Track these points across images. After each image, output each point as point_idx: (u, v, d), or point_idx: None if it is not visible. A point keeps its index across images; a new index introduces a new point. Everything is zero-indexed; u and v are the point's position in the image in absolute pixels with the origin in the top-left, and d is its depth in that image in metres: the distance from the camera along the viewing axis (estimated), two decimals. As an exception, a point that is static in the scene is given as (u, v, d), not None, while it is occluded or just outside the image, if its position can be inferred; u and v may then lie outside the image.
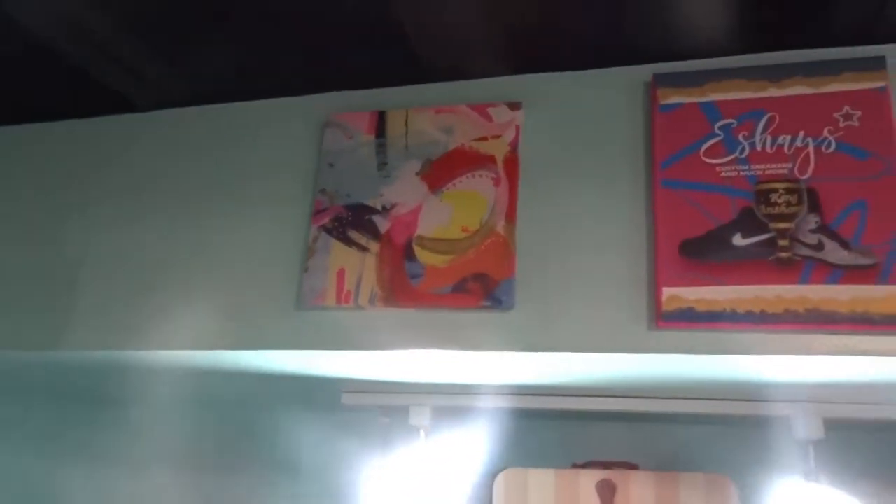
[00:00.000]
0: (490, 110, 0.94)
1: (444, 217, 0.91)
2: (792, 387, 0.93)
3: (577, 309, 0.84)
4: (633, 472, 1.08)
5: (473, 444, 1.25)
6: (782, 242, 0.79)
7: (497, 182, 0.90)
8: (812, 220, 0.79)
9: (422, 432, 1.27)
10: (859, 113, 0.82)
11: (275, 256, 0.97)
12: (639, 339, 0.81)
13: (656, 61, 0.92)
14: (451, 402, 1.24)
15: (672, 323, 0.80)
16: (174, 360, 1.02)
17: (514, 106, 0.94)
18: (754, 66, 0.87)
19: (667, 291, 0.81)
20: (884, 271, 0.75)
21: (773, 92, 0.85)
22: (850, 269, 0.76)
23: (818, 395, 0.98)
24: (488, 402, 1.21)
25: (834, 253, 0.77)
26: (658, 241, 0.83)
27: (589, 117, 0.93)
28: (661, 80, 0.90)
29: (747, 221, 0.81)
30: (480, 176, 0.91)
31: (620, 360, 0.84)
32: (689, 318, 0.79)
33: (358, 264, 0.91)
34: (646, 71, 0.92)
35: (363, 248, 0.92)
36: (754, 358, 0.78)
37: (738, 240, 0.80)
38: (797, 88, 0.85)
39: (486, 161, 0.92)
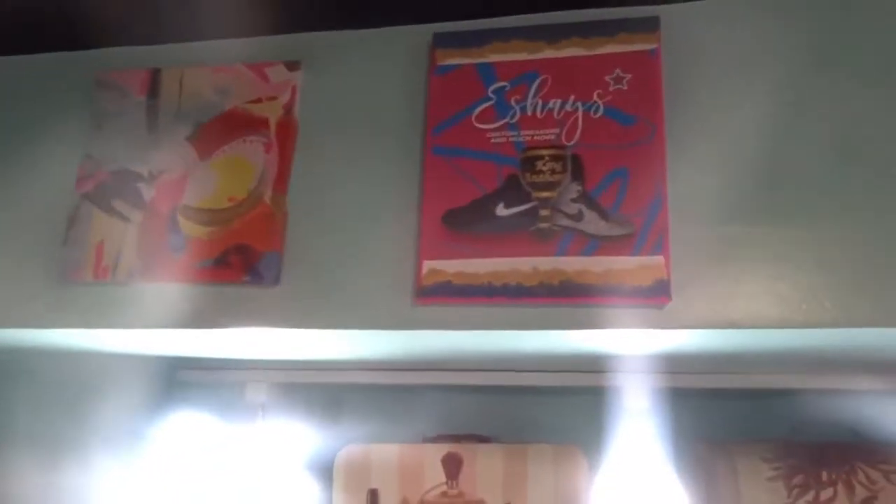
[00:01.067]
0: (267, 70, 0.88)
1: (211, 186, 0.84)
2: (625, 357, 0.93)
3: (346, 284, 0.80)
4: (481, 445, 1.06)
5: (316, 421, 1.22)
6: (543, 212, 0.76)
7: (268, 148, 0.85)
8: (574, 189, 0.76)
9: (260, 411, 1.23)
10: (629, 76, 0.78)
11: (41, 227, 0.89)
12: (402, 316, 0.78)
13: (442, 20, 0.87)
14: (289, 378, 1.20)
15: (430, 298, 0.76)
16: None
17: (292, 66, 0.88)
18: (535, 26, 0.82)
19: (427, 265, 0.77)
20: (638, 241, 0.73)
21: (549, 53, 0.81)
22: (606, 239, 0.74)
23: (647, 366, 0.98)
24: (330, 378, 1.18)
25: (593, 223, 0.74)
26: (424, 211, 0.79)
27: (369, 79, 0.87)
28: (440, 41, 0.84)
29: (512, 190, 0.77)
30: (251, 141, 0.85)
31: (388, 337, 0.81)
32: (447, 292, 0.76)
33: (118, 236, 0.84)
34: (429, 31, 0.86)
35: (125, 219, 0.85)
36: (512, 333, 0.76)
37: (501, 210, 0.77)
38: (572, 50, 0.81)
39: (258, 125, 0.86)
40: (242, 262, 0.81)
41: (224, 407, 1.22)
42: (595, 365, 1.00)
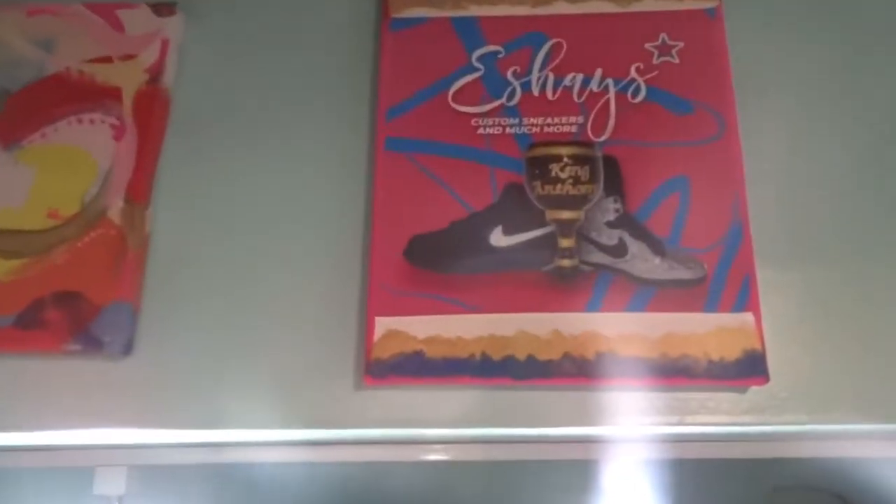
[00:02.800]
0: (121, 14, 0.57)
1: (19, 192, 0.52)
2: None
3: (243, 355, 0.50)
4: None
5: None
6: (564, 242, 0.50)
7: (119, 133, 0.53)
8: (611, 208, 0.50)
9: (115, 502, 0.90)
10: (681, 44, 0.54)
11: None
12: (338, 408, 0.48)
13: (397, -45, 0.60)
14: (157, 459, 0.87)
15: (386, 378, 0.47)
16: None
17: (163, 8, 0.57)
18: (536, -31, 0.57)
19: (381, 324, 0.48)
20: (713, 290, 0.49)
21: (562, 7, 0.55)
22: (664, 286, 0.48)
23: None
24: (220, 457, 0.86)
25: (642, 261, 0.49)
26: (374, 239, 0.51)
27: (287, 34, 0.58)
28: (395, -19, 0.58)
29: (513, 208, 0.50)
30: (92, 121, 0.54)
31: (314, 435, 0.52)
32: (414, 369, 0.47)
33: None
34: (379, -31, 0.59)
35: None
36: (518, 431, 0.49)
37: (497, 238, 0.50)
38: (597, 4, 0.55)
39: (103, 97, 0.54)
40: (67, 318, 0.48)
41: (68, 500, 0.89)
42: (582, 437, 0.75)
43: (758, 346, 0.46)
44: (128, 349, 0.49)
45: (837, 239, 0.50)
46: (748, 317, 0.47)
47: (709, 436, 0.49)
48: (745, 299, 0.47)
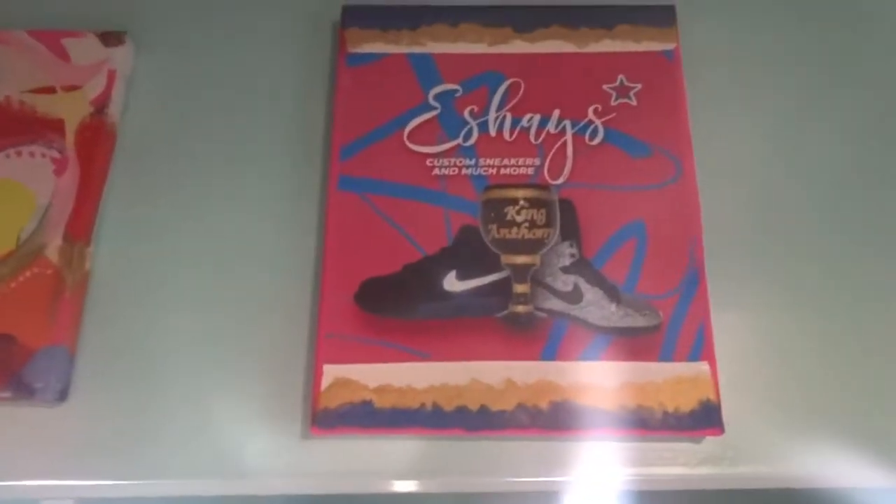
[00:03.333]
0: (66, 42, 0.55)
1: (-49, 227, 0.50)
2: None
3: (185, 402, 0.48)
4: None
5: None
6: (519, 288, 0.49)
7: (61, 167, 0.51)
8: (566, 253, 0.50)
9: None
10: (639, 86, 0.53)
11: None
12: (282, 458, 0.47)
13: (356, -11, 0.59)
14: (104, 491, 0.84)
15: (334, 428, 0.45)
16: None
17: (111, 38, 0.55)
18: (496, 7, 0.56)
19: (330, 372, 0.46)
20: (668, 339, 0.48)
21: (520, 46, 0.55)
22: (619, 334, 0.48)
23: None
24: (171, 490, 0.82)
25: (598, 308, 0.48)
26: (324, 282, 0.49)
27: (238, 67, 0.56)
28: (352, 17, 0.55)
29: (468, 251, 0.49)
30: (31, 154, 0.52)
31: (259, 484, 0.50)
32: (363, 419, 0.45)
33: None
34: (338, 3, 0.58)
35: None
36: (468, 481, 0.48)
37: (451, 282, 0.48)
38: (554, 44, 0.55)
39: (44, 129, 0.52)
40: (-3, 364, 0.46)
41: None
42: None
43: (713, 396, 0.45)
44: (62, 396, 0.47)
45: (795, 286, 0.50)
46: (704, 366, 0.46)
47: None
48: (700, 348, 0.46)
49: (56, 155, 0.51)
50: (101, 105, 0.53)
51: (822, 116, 0.55)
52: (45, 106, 0.52)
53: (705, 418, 0.45)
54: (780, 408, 0.47)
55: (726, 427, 0.45)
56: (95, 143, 0.52)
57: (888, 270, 0.51)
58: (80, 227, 0.50)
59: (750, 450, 0.46)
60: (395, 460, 0.46)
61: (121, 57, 0.54)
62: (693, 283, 0.48)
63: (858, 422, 0.47)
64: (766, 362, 0.48)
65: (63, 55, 0.54)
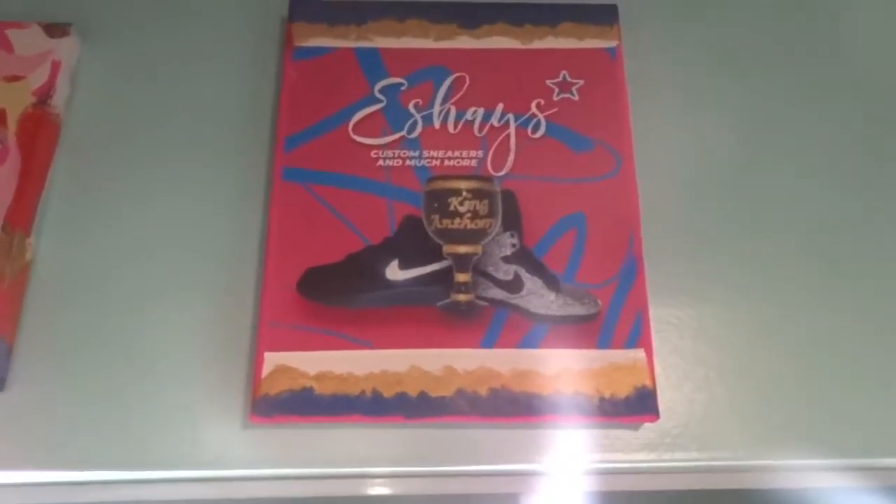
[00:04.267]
0: (10, 33, 0.55)
1: None
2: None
3: (123, 390, 0.47)
4: None
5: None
6: (461, 277, 0.49)
7: (1, 157, 0.51)
8: (508, 243, 0.50)
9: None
10: (581, 82, 0.55)
11: None
12: (220, 449, 0.46)
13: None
14: (44, 497, 0.82)
15: (274, 416, 0.45)
16: None
17: (56, 29, 0.55)
18: (442, 3, 0.57)
19: (271, 360, 0.47)
20: (606, 326, 0.49)
21: (465, 42, 0.56)
22: (558, 322, 0.48)
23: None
24: (112, 495, 0.81)
25: (538, 297, 0.49)
26: (267, 270, 0.49)
27: (183, 58, 0.56)
28: (299, 11, 0.56)
29: (410, 242, 0.49)
30: (-29, 144, 0.52)
31: (201, 476, 0.50)
32: (304, 406, 0.45)
33: None
34: (286, -5, 0.58)
35: None
36: (406, 471, 0.48)
37: (393, 271, 0.49)
38: (499, 40, 0.56)
39: (-14, 119, 0.52)
40: (-70, 353, 0.46)
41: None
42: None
43: (649, 382, 0.46)
44: (0, 385, 0.46)
45: (730, 277, 0.51)
46: (640, 353, 0.47)
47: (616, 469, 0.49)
48: (637, 335, 0.47)
49: (-3, 145, 0.51)
50: (44, 95, 0.52)
51: (757, 113, 0.57)
52: (-14, 96, 0.52)
53: (641, 405, 0.46)
54: (715, 395, 0.48)
55: (663, 414, 0.47)
56: (37, 133, 0.51)
57: (817, 261, 0.52)
58: (20, 218, 0.49)
59: (686, 436, 0.48)
60: (332, 448, 0.46)
61: (65, 48, 0.54)
62: (631, 272, 0.49)
63: (791, 408, 0.48)
64: (701, 351, 0.50)
65: (6, 46, 0.54)
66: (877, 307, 0.51)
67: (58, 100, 0.53)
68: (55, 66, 0.53)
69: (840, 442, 0.47)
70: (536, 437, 0.47)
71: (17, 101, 0.52)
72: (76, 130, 0.54)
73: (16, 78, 0.53)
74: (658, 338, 0.48)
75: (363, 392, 0.46)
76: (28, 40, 0.54)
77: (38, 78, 0.53)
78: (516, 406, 0.46)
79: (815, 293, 0.51)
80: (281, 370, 0.46)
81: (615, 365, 0.47)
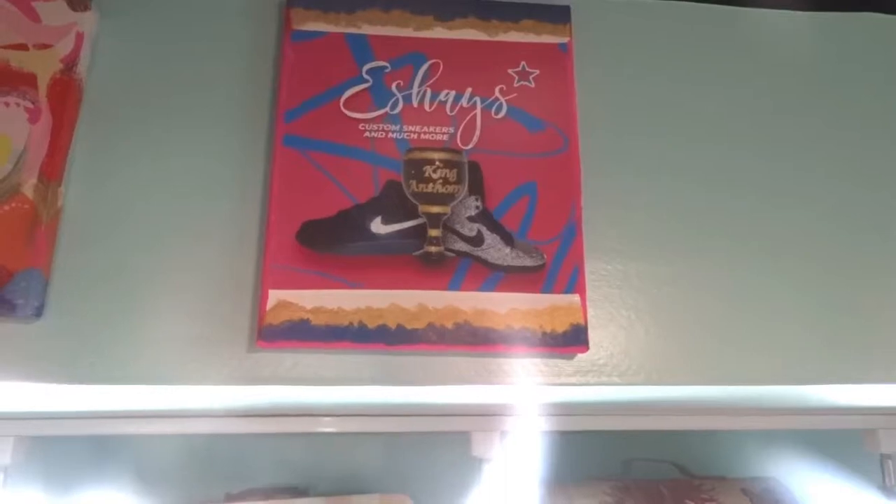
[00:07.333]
0: (38, 5, 0.62)
1: (-66, 164, 0.56)
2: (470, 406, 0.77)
3: (148, 319, 0.56)
4: (296, 501, 0.84)
5: (86, 486, 0.93)
6: (433, 232, 0.59)
7: (35, 116, 0.58)
8: (472, 205, 0.60)
9: (1, 474, 0.90)
10: (537, 72, 0.64)
11: None
12: (232, 367, 0.55)
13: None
14: (46, 429, 0.89)
15: (277, 342, 0.55)
16: None
17: (77, 3, 0.62)
18: (422, -3, 0.66)
19: (274, 296, 0.56)
20: (549, 276, 0.59)
21: (440, 32, 0.65)
22: (511, 271, 0.59)
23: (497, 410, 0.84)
24: (107, 429, 0.88)
25: (495, 250, 0.59)
26: (270, 223, 0.58)
27: (194, 32, 0.64)
28: (298, -3, 0.65)
29: (392, 202, 0.59)
30: (6, 104, 0.58)
31: (214, 392, 0.59)
32: (301, 334, 0.55)
33: None
34: (284, -17, 0.66)
35: None
36: (389, 389, 0.58)
37: (377, 226, 0.59)
38: (469, 32, 0.65)
39: (19, 82, 0.58)
40: (-18, 283, 0.53)
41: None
42: (433, 410, 0.85)
43: (581, 321, 0.58)
44: (39, 312, 0.54)
45: (655, 241, 0.63)
46: (575, 298, 0.58)
47: (572, 407, 0.59)
48: (574, 283, 0.58)
49: (30, 105, 0.58)
50: (70, 63, 0.60)
51: (690, 104, 0.68)
52: (17, 61, 0.59)
53: (575, 338, 0.57)
54: (635, 333, 0.60)
55: (592, 347, 0.58)
56: (65, 96, 0.59)
57: (723, 226, 0.64)
58: (53, 169, 0.57)
59: (610, 365, 0.59)
60: (326, 370, 0.56)
61: (87, 21, 0.61)
62: (571, 233, 0.60)
63: (694, 342, 0.60)
64: (626, 297, 0.61)
65: (34, 17, 0.60)
66: (761, 259, 0.63)
67: (81, 67, 0.60)
68: (79, 37, 0.60)
69: (730, 370, 0.60)
70: (492, 364, 0.58)
71: (46, 67, 0.59)
72: (97, 94, 0.61)
73: (44, 46, 0.60)
74: (591, 286, 0.60)
75: (351, 323, 0.55)
76: (54, 13, 0.61)
77: (64, 47, 0.60)
78: (476, 337, 0.56)
79: (719, 252, 0.63)
80: (282, 304, 0.55)
81: (555, 306, 0.58)
